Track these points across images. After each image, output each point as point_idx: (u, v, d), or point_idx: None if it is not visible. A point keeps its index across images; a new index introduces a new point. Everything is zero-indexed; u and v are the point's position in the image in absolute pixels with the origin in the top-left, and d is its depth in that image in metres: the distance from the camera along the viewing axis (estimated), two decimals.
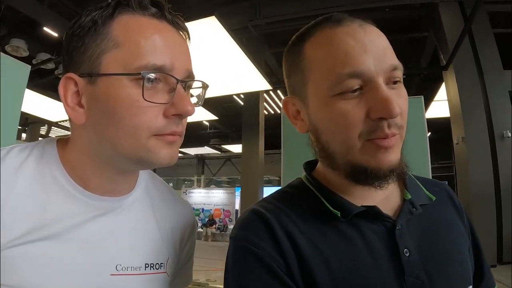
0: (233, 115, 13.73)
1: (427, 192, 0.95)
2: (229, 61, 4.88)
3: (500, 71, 7.31)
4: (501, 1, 7.16)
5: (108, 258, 0.86)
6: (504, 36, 8.02)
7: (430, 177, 3.76)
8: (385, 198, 0.89)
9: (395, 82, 0.80)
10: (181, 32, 0.87)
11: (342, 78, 0.76)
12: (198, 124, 15.47)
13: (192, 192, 21.43)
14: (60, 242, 0.80)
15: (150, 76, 0.76)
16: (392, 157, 0.79)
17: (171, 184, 28.28)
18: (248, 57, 4.82)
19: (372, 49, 0.78)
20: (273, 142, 10.62)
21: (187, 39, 0.89)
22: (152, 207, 0.99)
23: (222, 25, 3.86)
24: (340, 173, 0.86)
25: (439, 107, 8.47)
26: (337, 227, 0.83)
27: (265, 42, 9.22)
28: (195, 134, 18.37)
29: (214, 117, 10.10)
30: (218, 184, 26.47)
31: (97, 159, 0.84)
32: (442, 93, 7.90)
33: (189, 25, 3.58)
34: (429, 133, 4.29)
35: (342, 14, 0.85)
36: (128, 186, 0.94)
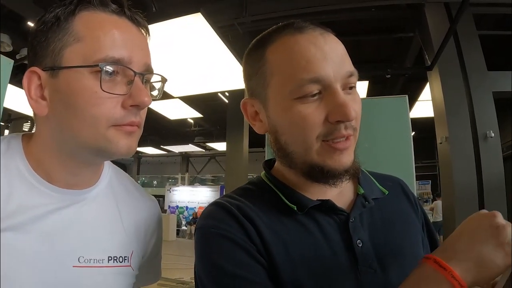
0: (218, 113, 13.67)
1: (380, 187, 1.03)
2: (214, 58, 4.83)
3: (484, 72, 7.37)
4: (486, 4, 7.22)
5: (70, 250, 0.88)
6: (489, 38, 8.10)
7: (414, 176, 3.82)
8: (340, 193, 0.96)
9: (350, 88, 0.87)
10: (140, 28, 0.91)
11: (303, 83, 0.82)
12: (183, 122, 15.41)
13: (176, 190, 21.46)
14: (22, 233, 0.81)
15: (108, 69, 0.80)
16: (347, 158, 0.87)
17: (155, 182, 28.44)
18: (234, 55, 4.79)
19: (332, 57, 0.83)
20: (257, 140, 10.62)
21: (147, 35, 0.93)
22: (116, 201, 1.01)
23: (208, 22, 3.81)
24: (297, 171, 0.92)
25: (423, 107, 8.53)
26: (295, 218, 0.89)
27: (251, 40, 9.17)
28: (179, 132, 18.33)
29: (198, 115, 10.09)
30: (203, 182, 26.49)
31: (59, 151, 0.87)
32: (426, 93, 7.96)
33: (175, 21, 3.55)
34: (413, 132, 4.32)
35: (304, 22, 0.89)
36: (91, 180, 0.96)
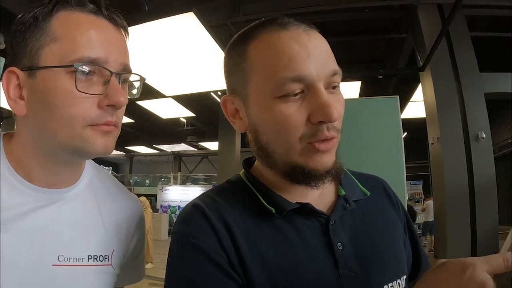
0: (210, 112, 13.65)
1: (362, 188, 1.01)
2: (207, 57, 4.82)
3: (476, 73, 7.41)
4: (479, 6, 7.26)
5: (50, 249, 0.88)
6: (481, 40, 8.14)
7: (404, 176, 3.82)
8: (320, 194, 0.95)
9: (334, 87, 0.84)
10: (118, 28, 0.91)
11: (284, 82, 0.79)
12: (175, 121, 15.36)
13: (168, 189, 21.38)
14: (1, 232, 0.81)
15: (84, 69, 0.81)
16: (329, 159, 0.85)
17: (147, 181, 28.35)
18: None
19: (315, 55, 0.81)
20: None
21: (125, 35, 0.93)
22: (97, 199, 1.01)
23: (200, 21, 3.80)
24: (277, 172, 0.89)
25: (416, 107, 8.58)
26: (273, 223, 0.87)
27: None
28: (171, 131, 18.28)
29: (191, 114, 10.06)
30: (195, 182, 26.42)
31: (38, 150, 0.87)
32: (418, 93, 7.99)
33: (167, 20, 3.54)
34: (406, 133, 4.34)
35: (288, 17, 0.86)
36: (71, 179, 0.96)
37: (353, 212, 0.95)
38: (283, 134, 0.83)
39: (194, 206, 0.90)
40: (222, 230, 0.84)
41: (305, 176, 0.85)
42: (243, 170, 1.02)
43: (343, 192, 0.96)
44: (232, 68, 0.93)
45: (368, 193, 1.00)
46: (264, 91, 0.83)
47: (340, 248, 0.87)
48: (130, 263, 1.09)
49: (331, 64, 0.84)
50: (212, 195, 0.94)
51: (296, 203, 0.89)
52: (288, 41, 0.81)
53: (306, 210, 0.89)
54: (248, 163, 1.03)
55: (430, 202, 11.40)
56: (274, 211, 0.87)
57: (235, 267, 0.81)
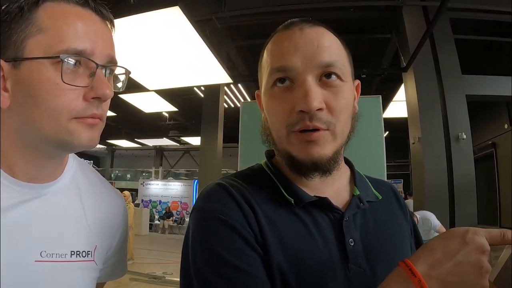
0: (193, 107, 13.65)
1: (374, 191, 1.04)
2: (191, 52, 4.82)
3: (458, 75, 7.50)
4: (463, 9, 7.34)
5: (32, 245, 0.86)
6: (465, 42, 8.23)
7: (385, 174, 3.82)
8: (336, 192, 0.97)
9: (328, 77, 0.87)
10: (105, 20, 0.90)
11: (272, 72, 0.88)
12: (157, 115, 15.31)
13: (149, 184, 21.27)
14: None
15: (70, 60, 0.79)
16: (315, 151, 0.86)
17: (128, 176, 28.06)
18: (211, 50, 4.78)
19: (304, 48, 0.87)
20: (232, 135, 10.63)
21: (111, 27, 0.92)
22: (80, 194, 1.00)
23: (186, 16, 3.81)
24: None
25: (398, 107, 8.65)
26: (292, 211, 0.89)
27: (229, 35, 9.18)
28: (154, 125, 18.21)
29: (173, 109, 10.03)
30: (176, 177, 26.30)
31: (21, 143, 0.86)
32: (401, 93, 8.07)
33: (152, 14, 3.50)
34: (387, 132, 4.38)
35: (299, 20, 0.93)
36: (54, 173, 0.94)
37: (366, 212, 0.98)
38: (275, 122, 0.90)
39: (218, 185, 0.91)
40: (246, 208, 0.85)
41: (294, 165, 0.89)
42: (264, 160, 1.04)
43: (358, 192, 0.99)
44: (259, 66, 1.01)
45: (380, 197, 1.03)
46: (265, 83, 0.93)
47: (352, 244, 0.89)
48: (113, 259, 1.08)
49: (322, 55, 0.87)
50: (234, 178, 0.96)
51: (314, 196, 0.91)
52: (282, 40, 0.90)
53: (323, 204, 0.92)
54: (271, 154, 1.05)
55: (410, 201, 11.50)
56: (293, 202, 0.90)
57: (259, 243, 0.83)
